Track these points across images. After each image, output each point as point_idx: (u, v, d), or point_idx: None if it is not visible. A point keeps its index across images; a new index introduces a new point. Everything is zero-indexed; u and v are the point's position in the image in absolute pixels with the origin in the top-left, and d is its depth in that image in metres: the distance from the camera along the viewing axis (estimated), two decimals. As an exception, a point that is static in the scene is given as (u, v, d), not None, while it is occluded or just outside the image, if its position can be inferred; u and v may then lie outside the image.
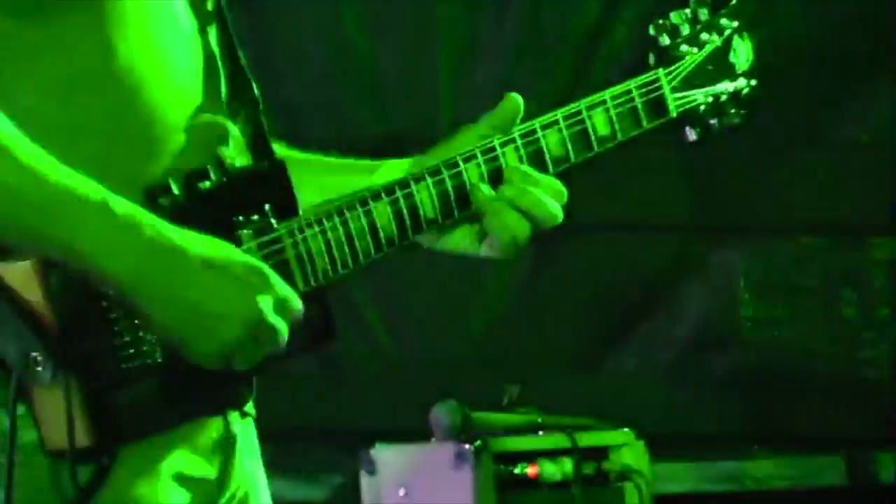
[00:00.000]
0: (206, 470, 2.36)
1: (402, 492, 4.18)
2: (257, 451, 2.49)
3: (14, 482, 2.22)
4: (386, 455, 4.22)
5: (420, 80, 6.08)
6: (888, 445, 5.33)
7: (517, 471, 4.09)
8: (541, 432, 4.27)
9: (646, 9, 6.19)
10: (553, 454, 4.15)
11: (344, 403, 4.66)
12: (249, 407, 2.43)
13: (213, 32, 2.57)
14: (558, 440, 4.20)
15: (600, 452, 4.21)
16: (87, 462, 2.18)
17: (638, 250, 4.79)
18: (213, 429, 2.35)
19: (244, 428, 2.43)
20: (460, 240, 2.50)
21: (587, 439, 4.21)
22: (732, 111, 2.58)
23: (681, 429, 4.47)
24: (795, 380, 4.85)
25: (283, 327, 2.18)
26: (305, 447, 4.79)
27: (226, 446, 2.40)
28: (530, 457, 4.15)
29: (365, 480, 4.22)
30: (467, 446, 4.09)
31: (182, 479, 2.32)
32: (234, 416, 2.39)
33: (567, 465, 4.10)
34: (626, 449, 4.26)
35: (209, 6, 2.57)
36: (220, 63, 2.55)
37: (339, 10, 6.13)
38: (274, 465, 4.70)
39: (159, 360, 2.24)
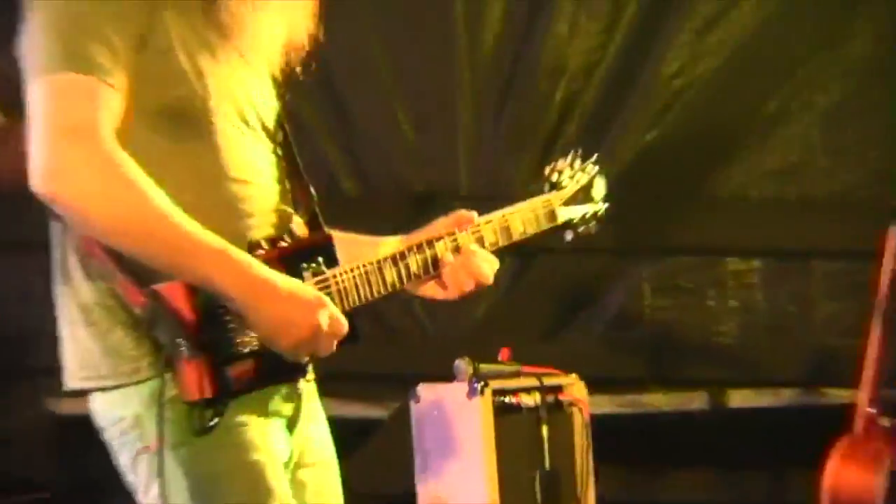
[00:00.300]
0: (284, 411, 3.22)
1: (435, 412, 5.30)
2: (317, 401, 3.36)
3: (165, 419, 3.00)
4: (426, 391, 5.31)
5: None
6: (742, 385, 5.90)
7: (506, 400, 5.26)
8: (521, 377, 5.38)
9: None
10: (528, 390, 5.32)
11: (395, 358, 5.62)
12: (310, 375, 3.26)
13: (279, 143, 3.44)
14: (532, 381, 5.35)
15: (557, 389, 5.33)
16: (209, 407, 3.00)
17: (581, 264, 5.78)
18: (288, 388, 3.22)
19: (307, 387, 3.26)
20: (429, 288, 3.45)
21: (549, 380, 5.35)
22: (592, 224, 3.70)
23: (605, 374, 5.43)
24: (679, 343, 5.82)
25: (335, 334, 3.10)
26: (369, 385, 5.81)
27: (295, 398, 3.24)
28: (514, 391, 5.31)
29: (413, 406, 5.30)
30: (476, 385, 5.19)
31: (266, 415, 3.18)
32: (301, 382, 3.23)
33: (537, 396, 5.31)
34: (574, 387, 5.35)
35: (276, 125, 3.41)
36: (285, 165, 3.41)
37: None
38: (347, 396, 5.43)
39: (256, 348, 3.06)
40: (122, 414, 3.08)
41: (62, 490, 5.27)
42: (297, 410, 3.19)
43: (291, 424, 3.19)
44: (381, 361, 5.66)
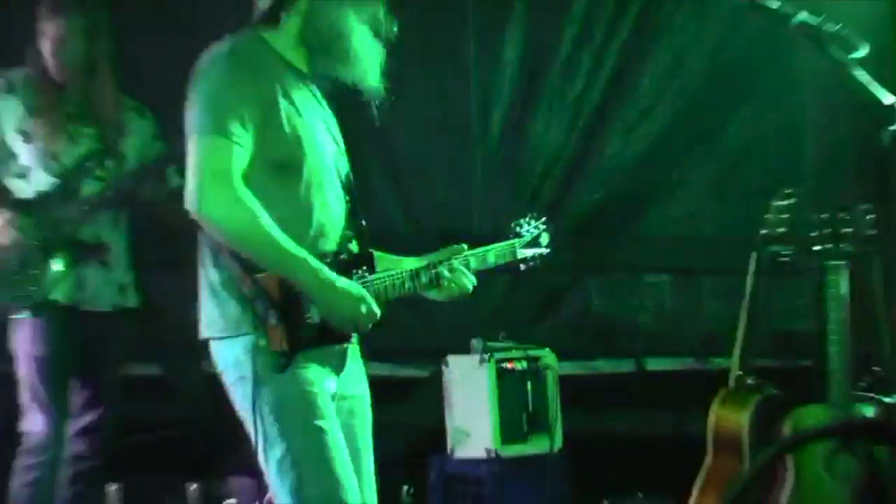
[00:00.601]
0: (333, 362, 3.31)
1: (458, 373, 5.39)
2: (359, 358, 3.44)
3: (256, 360, 3.17)
4: (452, 360, 5.41)
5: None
6: (656, 355, 5.87)
7: (504, 365, 5.32)
8: (513, 350, 5.42)
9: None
10: (518, 359, 5.38)
11: (434, 338, 5.63)
12: (354, 340, 3.36)
13: (347, 188, 3.44)
14: (521, 353, 5.41)
15: (537, 358, 5.40)
16: (284, 356, 3.16)
17: (553, 278, 5.71)
18: (337, 348, 3.32)
19: (352, 348, 3.37)
20: (435, 294, 3.50)
21: (531, 353, 5.41)
22: (538, 261, 3.77)
23: (568, 348, 5.50)
24: (614, 328, 5.86)
25: (371, 319, 3.22)
26: (417, 355, 5.81)
27: (342, 355, 3.34)
28: (509, 360, 5.36)
29: (444, 369, 5.42)
30: (485, 356, 5.31)
31: (322, 364, 3.26)
32: (346, 345, 3.33)
33: (524, 363, 5.38)
34: (547, 357, 5.43)
35: (346, 175, 3.43)
36: (349, 203, 3.42)
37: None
38: (403, 361, 5.77)
39: (317, 321, 3.23)
40: (230, 355, 3.23)
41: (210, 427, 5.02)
42: (342, 362, 3.34)
43: (338, 371, 3.32)
44: (424, 340, 5.73)
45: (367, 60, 3.34)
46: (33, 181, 4.43)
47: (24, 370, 4.50)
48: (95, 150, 4.50)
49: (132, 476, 5.11)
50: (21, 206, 4.40)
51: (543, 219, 3.73)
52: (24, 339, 4.45)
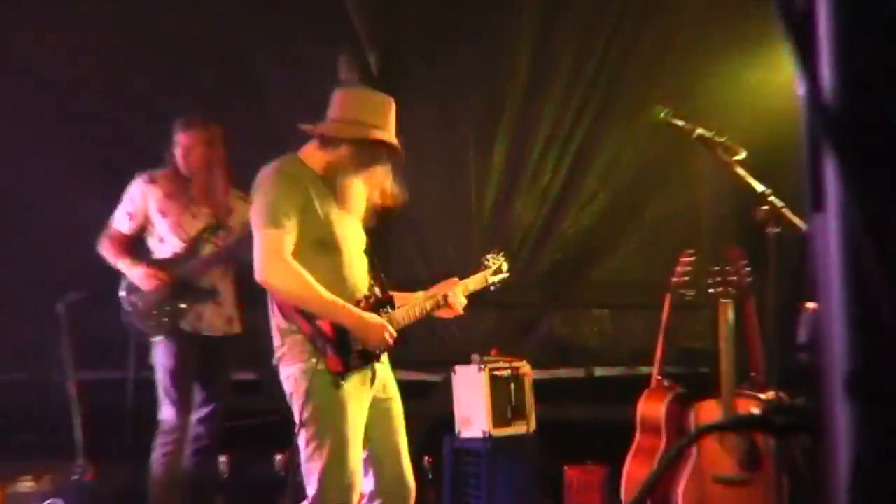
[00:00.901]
0: (368, 376, 3.22)
1: (463, 378, 5.20)
2: (389, 369, 3.33)
3: (312, 379, 3.10)
4: (459, 368, 5.22)
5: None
6: (601, 364, 5.70)
7: (495, 373, 5.13)
8: (501, 361, 5.25)
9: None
10: (504, 368, 5.19)
11: (444, 352, 5.47)
12: (384, 358, 3.27)
13: (368, 253, 3.38)
14: (507, 363, 5.23)
15: (518, 367, 5.22)
16: (340, 375, 3.11)
17: (528, 311, 5.68)
18: (371, 365, 3.23)
19: (383, 364, 3.28)
20: (440, 314, 3.45)
21: (514, 363, 5.24)
22: (500, 285, 3.68)
23: (539, 361, 5.25)
24: (571, 346, 5.73)
25: (389, 342, 3.17)
26: (432, 365, 5.59)
27: (373, 370, 3.24)
28: (498, 369, 5.17)
29: (452, 376, 5.26)
30: (482, 366, 5.14)
31: (359, 379, 3.19)
32: (377, 363, 3.25)
33: (508, 371, 5.18)
34: (524, 366, 5.25)
35: (366, 245, 3.35)
36: (370, 263, 3.35)
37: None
38: (421, 370, 5.63)
39: (359, 348, 3.16)
40: (291, 374, 3.18)
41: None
42: (374, 375, 3.26)
43: (371, 381, 3.26)
44: (439, 355, 5.58)
45: (371, 191, 3.36)
46: (168, 245, 4.50)
47: (161, 377, 4.48)
48: (211, 224, 4.53)
49: (236, 450, 5.07)
50: (159, 263, 4.48)
51: (503, 252, 3.72)
52: (161, 355, 4.48)
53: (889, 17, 0.75)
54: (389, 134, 3.21)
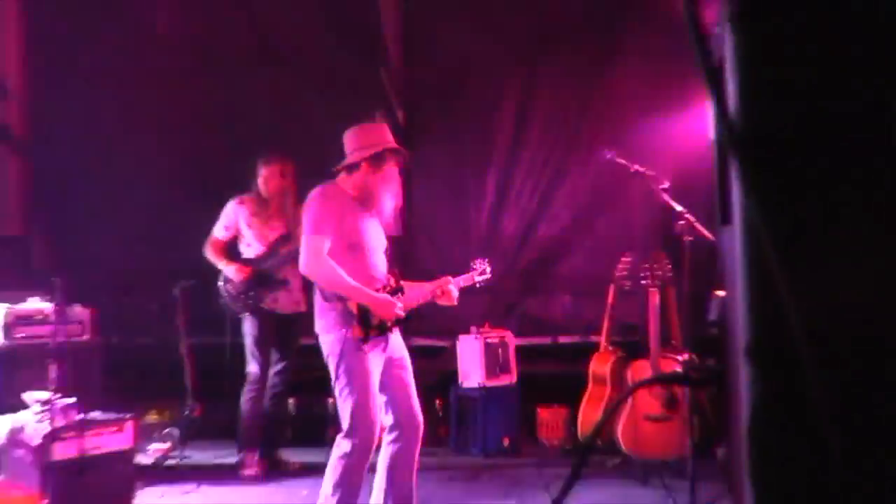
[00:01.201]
0: (382, 343, 3.01)
1: (464, 344, 5.04)
2: (400, 337, 3.12)
3: (343, 344, 2.89)
4: (462, 337, 5.06)
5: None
6: (564, 334, 5.37)
7: (487, 341, 4.98)
8: (492, 331, 5.08)
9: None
10: (494, 336, 5.02)
11: (450, 324, 5.05)
12: (395, 329, 3.08)
13: (386, 253, 3.13)
14: (495, 333, 5.06)
15: (504, 336, 5.07)
16: (363, 341, 2.88)
17: (509, 298, 5.30)
18: (386, 334, 3.02)
19: (396, 332, 3.08)
20: (439, 301, 3.23)
21: (500, 333, 5.06)
22: (483, 283, 3.45)
23: (517, 332, 4.98)
24: (540, 322, 5.40)
25: (399, 316, 3.01)
26: (441, 333, 5.27)
27: (395, 338, 3.07)
28: (490, 337, 5.00)
29: (457, 343, 5.11)
30: (478, 335, 5.01)
31: (376, 345, 2.97)
32: (390, 333, 3.06)
33: (496, 339, 5.01)
34: (508, 336, 5.09)
35: (385, 247, 3.12)
36: (388, 261, 3.14)
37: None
38: (433, 336, 5.33)
39: (377, 322, 2.95)
40: (327, 341, 3.02)
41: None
42: (387, 343, 3.07)
43: (385, 347, 3.07)
44: (446, 326, 5.25)
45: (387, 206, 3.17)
46: (253, 249, 4.43)
47: (248, 343, 4.41)
48: (284, 234, 4.41)
49: (300, 395, 4.94)
50: (246, 261, 4.42)
51: (487, 259, 3.54)
52: (248, 327, 4.41)
53: (773, 74, 0.77)
54: (389, 140, 3.10)
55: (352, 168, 3.09)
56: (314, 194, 3.06)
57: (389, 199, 3.13)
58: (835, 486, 0.71)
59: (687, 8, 0.73)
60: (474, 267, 3.46)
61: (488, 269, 3.65)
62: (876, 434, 0.70)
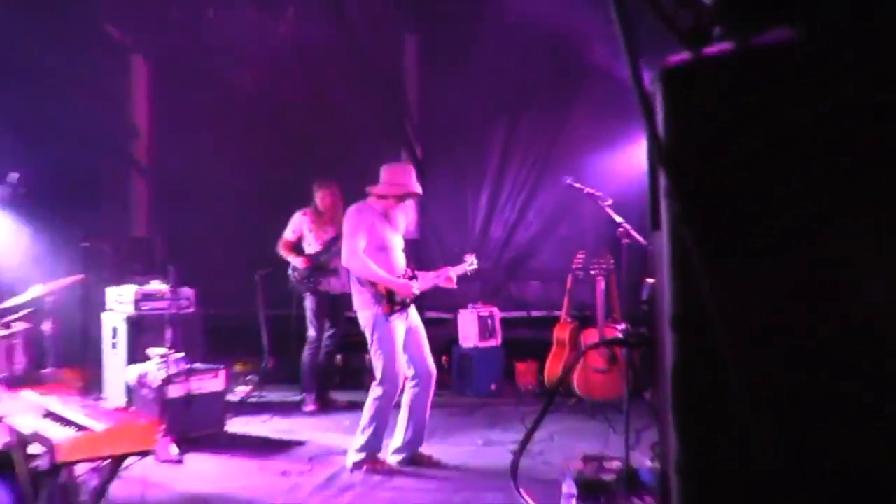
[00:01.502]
0: (403, 316, 2.90)
1: (464, 317, 4.91)
2: (415, 310, 3.00)
3: (375, 318, 2.76)
4: (461, 311, 4.93)
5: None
6: (536, 309, 5.16)
7: (480, 314, 4.85)
8: (483, 308, 4.93)
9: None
10: (485, 311, 4.89)
11: (453, 301, 4.75)
12: (412, 305, 2.98)
13: (405, 253, 2.98)
14: (486, 308, 4.92)
15: (491, 311, 4.90)
16: (389, 314, 2.81)
17: (498, 285, 5.06)
18: (405, 309, 2.92)
19: (412, 309, 2.99)
20: (443, 285, 3.07)
21: (490, 309, 4.92)
22: (472, 272, 3.29)
23: (503, 308, 4.76)
24: (520, 300, 5.17)
25: (415, 295, 2.89)
26: (447, 307, 4.92)
27: (406, 312, 2.96)
28: (482, 311, 4.87)
29: (458, 315, 4.95)
30: (474, 310, 4.87)
31: (399, 317, 2.92)
32: (409, 308, 2.96)
33: (486, 313, 4.86)
34: (496, 311, 4.91)
35: (402, 246, 2.95)
36: (406, 258, 3.02)
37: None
38: (440, 310, 5.03)
39: (399, 300, 2.83)
40: (363, 316, 2.93)
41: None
42: (407, 314, 2.97)
43: (405, 318, 2.97)
44: (450, 302, 4.91)
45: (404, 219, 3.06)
46: (312, 247, 4.34)
47: (308, 314, 4.33)
48: (334, 236, 4.24)
49: (345, 353, 4.70)
50: (308, 256, 4.32)
51: (475, 254, 3.38)
52: (309, 303, 4.34)
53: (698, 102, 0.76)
54: (412, 185, 3.00)
55: (381, 196, 3.01)
56: (352, 210, 2.99)
57: (404, 221, 3.08)
58: (736, 420, 0.73)
59: (628, 54, 0.73)
60: (466, 259, 3.36)
61: (476, 262, 3.58)
62: (769, 380, 0.72)
